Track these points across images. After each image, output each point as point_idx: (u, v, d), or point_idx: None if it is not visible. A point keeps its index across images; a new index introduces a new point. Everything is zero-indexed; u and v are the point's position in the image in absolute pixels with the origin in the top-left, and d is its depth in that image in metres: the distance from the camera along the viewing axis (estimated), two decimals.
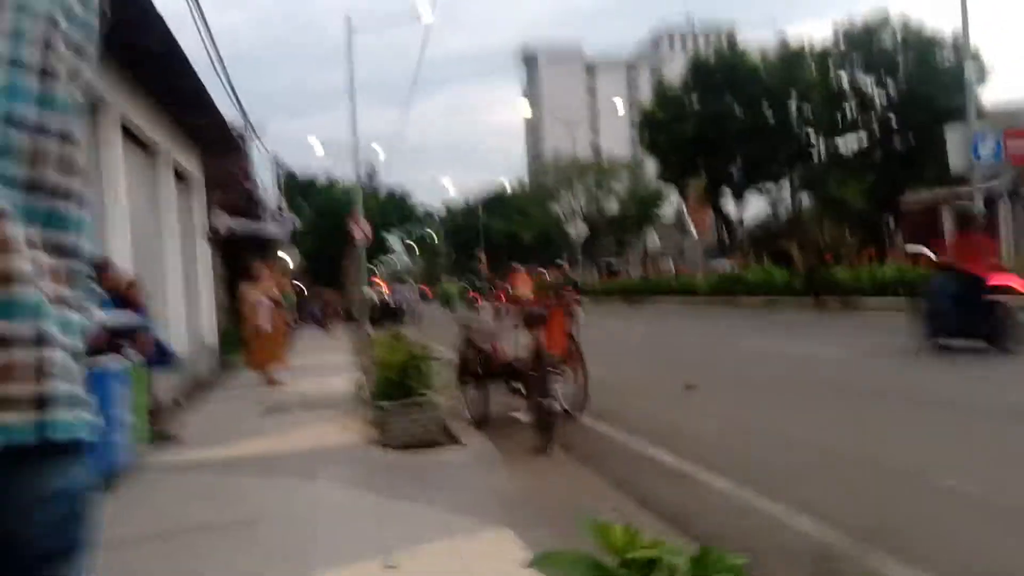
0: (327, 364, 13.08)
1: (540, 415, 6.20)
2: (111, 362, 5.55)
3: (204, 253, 13.78)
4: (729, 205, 34.57)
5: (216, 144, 13.07)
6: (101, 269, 7.07)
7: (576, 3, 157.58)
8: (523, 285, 13.10)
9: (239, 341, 13.37)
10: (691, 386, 8.53)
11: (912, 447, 5.55)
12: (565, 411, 7.30)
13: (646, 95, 55.37)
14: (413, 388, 6.38)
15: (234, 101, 14.67)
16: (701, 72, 32.41)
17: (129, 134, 9.72)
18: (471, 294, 40.86)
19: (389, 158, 68.93)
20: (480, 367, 7.37)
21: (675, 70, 38.88)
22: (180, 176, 12.65)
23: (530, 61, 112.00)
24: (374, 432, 6.59)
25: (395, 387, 6.45)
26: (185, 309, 11.64)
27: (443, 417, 6.75)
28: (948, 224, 26.79)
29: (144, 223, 10.27)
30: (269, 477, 5.51)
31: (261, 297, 10.88)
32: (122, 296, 7.12)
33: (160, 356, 7.27)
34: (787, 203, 34.22)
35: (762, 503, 4.48)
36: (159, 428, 6.95)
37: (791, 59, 31.27)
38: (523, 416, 7.08)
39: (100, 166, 8.39)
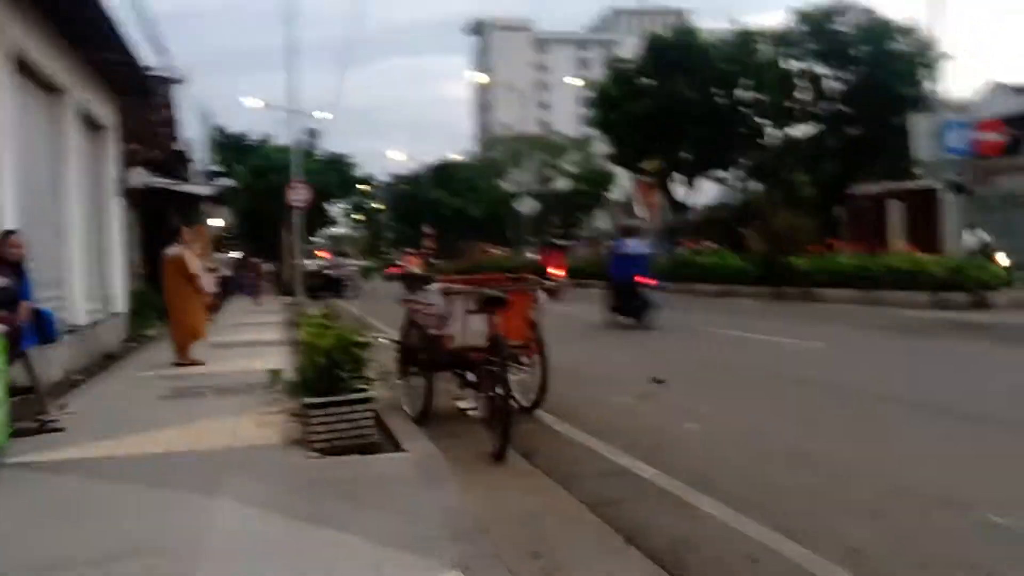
0: (255, 341, 11.84)
1: (495, 412, 5.24)
2: None
3: (117, 211, 12.27)
4: (680, 189, 33.91)
5: (134, 90, 11.55)
6: None
7: None
8: (415, 265, 16.20)
9: (156, 310, 12.02)
10: (659, 380, 7.72)
11: (929, 461, 4.77)
12: (523, 407, 6.41)
13: (596, 74, 54.26)
14: (344, 380, 5.31)
15: (148, 39, 13.04)
16: (655, 48, 31.49)
17: (26, 70, 8.29)
18: (389, 269, 39.41)
19: (334, 122, 66.23)
20: (426, 354, 6.33)
21: (625, 52, 37.99)
22: (91, 123, 11.15)
23: (480, 33, 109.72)
24: (297, 428, 5.52)
25: (323, 376, 5.37)
26: (89, 273, 10.21)
27: (379, 412, 5.71)
28: (894, 217, 26.75)
29: (39, 173, 8.86)
30: (157, 488, 4.40)
31: (197, 263, 9.54)
32: None
33: (40, 327, 6.04)
34: (739, 189, 33.75)
35: (777, 541, 3.60)
36: (30, 415, 5.73)
37: (744, 42, 30.57)
38: (473, 411, 6.10)
39: None
